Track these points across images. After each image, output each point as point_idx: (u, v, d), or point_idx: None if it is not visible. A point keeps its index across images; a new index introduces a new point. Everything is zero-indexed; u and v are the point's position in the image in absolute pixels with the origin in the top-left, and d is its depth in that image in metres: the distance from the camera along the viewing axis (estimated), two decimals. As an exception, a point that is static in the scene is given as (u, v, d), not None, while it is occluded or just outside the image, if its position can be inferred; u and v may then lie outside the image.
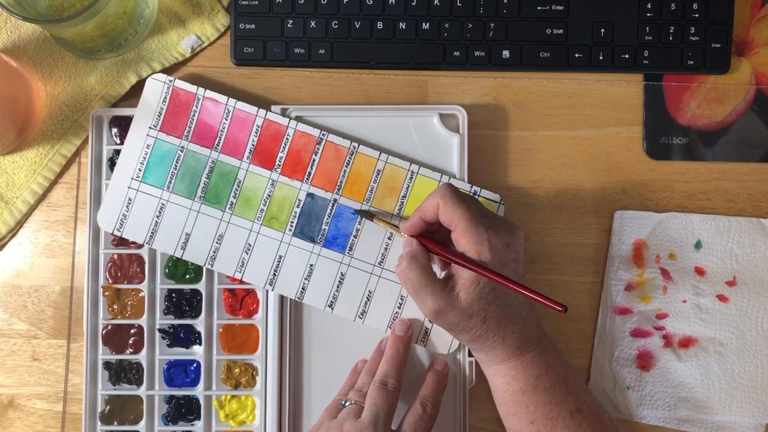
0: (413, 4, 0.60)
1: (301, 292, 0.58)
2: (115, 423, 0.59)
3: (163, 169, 0.58)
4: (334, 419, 0.52)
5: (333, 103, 0.61)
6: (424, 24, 0.60)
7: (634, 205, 0.61)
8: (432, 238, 0.54)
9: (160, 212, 0.58)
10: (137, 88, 0.59)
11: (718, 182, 0.61)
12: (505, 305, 0.51)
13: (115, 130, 0.60)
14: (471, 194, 0.58)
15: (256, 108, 0.58)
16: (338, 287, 0.58)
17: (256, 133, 0.58)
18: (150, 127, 0.58)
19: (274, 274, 0.58)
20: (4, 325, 0.61)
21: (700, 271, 0.60)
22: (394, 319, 0.58)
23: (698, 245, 0.60)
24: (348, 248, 0.58)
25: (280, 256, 0.58)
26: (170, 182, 0.58)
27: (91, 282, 0.59)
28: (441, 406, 0.54)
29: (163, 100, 0.58)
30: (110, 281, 0.59)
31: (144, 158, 0.58)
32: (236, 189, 0.58)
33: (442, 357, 0.58)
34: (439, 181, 0.58)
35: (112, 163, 0.60)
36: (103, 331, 0.59)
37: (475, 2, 0.60)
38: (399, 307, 0.58)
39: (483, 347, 0.53)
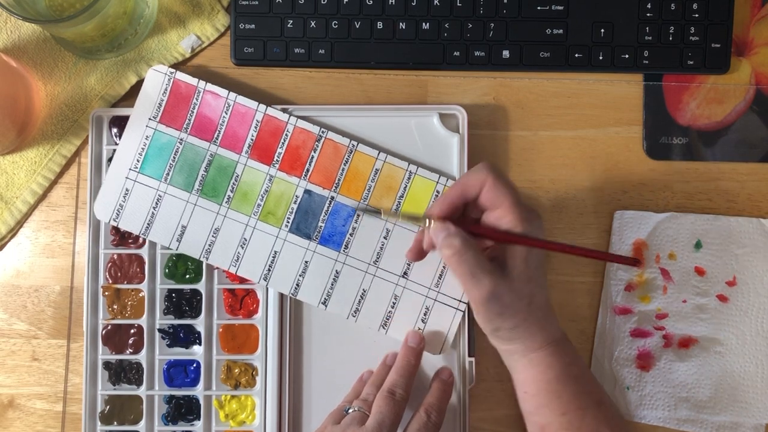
0: (413, 4, 0.60)
1: (296, 288, 0.58)
2: (115, 423, 0.59)
3: (162, 161, 0.58)
4: (338, 425, 0.52)
5: (333, 103, 0.61)
6: (424, 24, 0.60)
7: (634, 205, 0.61)
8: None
9: (156, 204, 0.58)
10: (137, 88, 0.59)
11: (718, 182, 0.61)
12: (545, 287, 0.52)
13: (115, 130, 0.60)
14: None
15: (256, 103, 0.58)
16: (332, 285, 0.58)
17: (255, 127, 0.58)
18: (150, 119, 0.58)
19: (269, 270, 0.58)
20: (4, 325, 0.61)
21: (700, 271, 0.60)
22: (387, 319, 0.58)
23: (698, 245, 0.60)
24: (343, 246, 0.58)
25: (276, 252, 0.58)
26: (168, 174, 0.58)
27: (91, 282, 0.59)
28: None
29: (164, 92, 0.58)
30: (110, 281, 0.59)
31: (143, 149, 0.58)
32: (234, 183, 0.58)
33: (436, 359, 0.58)
34: (437, 182, 0.58)
35: (111, 164, 0.60)
36: (103, 331, 0.59)
37: (475, 2, 0.60)
38: (392, 307, 0.58)
39: (524, 334, 0.51)
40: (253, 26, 0.60)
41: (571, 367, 0.52)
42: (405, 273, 0.58)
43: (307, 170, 0.58)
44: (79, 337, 0.60)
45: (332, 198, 0.58)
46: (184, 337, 0.59)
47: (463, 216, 0.53)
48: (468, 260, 0.50)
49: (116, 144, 0.59)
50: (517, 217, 0.50)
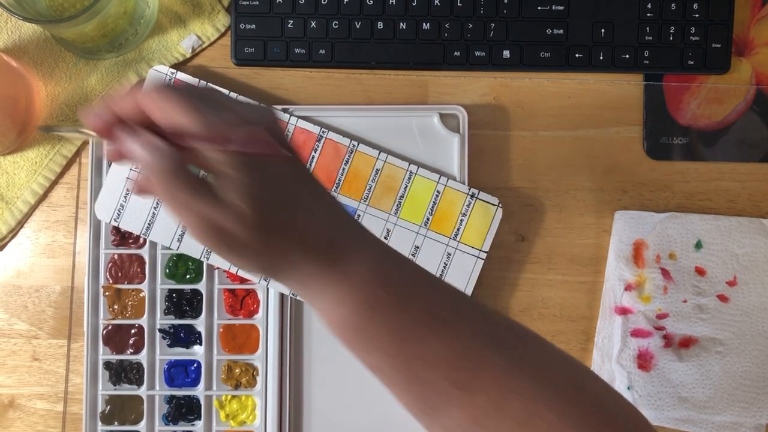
0: (413, 4, 0.60)
1: None
2: (116, 423, 0.59)
3: None
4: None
5: (333, 103, 0.61)
6: (424, 24, 0.60)
7: (634, 205, 0.61)
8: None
9: (157, 204, 0.58)
10: (138, 89, 0.59)
11: (718, 182, 0.61)
12: (289, 194, 0.36)
13: (115, 130, 0.60)
14: (470, 195, 0.58)
15: (257, 103, 0.58)
16: None
17: (256, 131, 0.58)
18: None
19: None
20: (4, 326, 0.61)
21: (700, 271, 0.60)
22: None
23: (698, 245, 0.60)
24: None
25: None
26: None
27: (92, 282, 0.59)
28: None
29: None
30: (111, 281, 0.59)
31: None
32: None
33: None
34: (438, 182, 0.58)
35: (112, 164, 0.60)
36: (104, 331, 0.59)
37: (475, 2, 0.60)
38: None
39: (289, 273, 0.38)
40: (253, 26, 0.60)
41: (380, 294, 0.37)
42: (405, 273, 0.58)
43: (308, 170, 0.58)
44: (79, 337, 0.60)
45: (333, 198, 0.58)
46: (184, 337, 0.59)
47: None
48: (179, 182, 0.35)
49: (117, 144, 0.59)
50: (195, 118, 0.35)
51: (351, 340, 0.38)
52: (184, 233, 0.58)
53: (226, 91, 0.58)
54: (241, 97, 0.56)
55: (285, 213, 0.36)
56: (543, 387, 0.36)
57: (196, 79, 0.58)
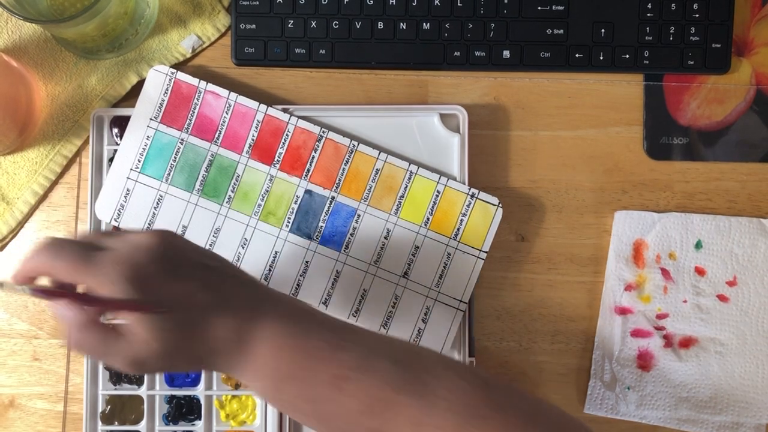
0: (414, 4, 0.60)
1: (296, 288, 0.58)
2: (116, 423, 0.59)
3: (163, 161, 0.58)
4: None
5: (333, 103, 0.61)
6: (424, 24, 0.60)
7: (634, 205, 0.61)
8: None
9: (157, 204, 0.58)
10: (138, 89, 0.59)
11: (718, 182, 0.61)
12: (183, 308, 0.41)
13: (115, 130, 0.60)
14: (470, 195, 0.58)
15: (257, 103, 0.58)
16: (333, 285, 0.58)
17: (256, 128, 0.58)
18: (150, 119, 0.58)
19: (270, 269, 0.58)
20: (4, 325, 0.61)
21: (700, 271, 0.60)
22: (388, 319, 0.58)
23: (698, 245, 0.60)
24: (344, 246, 0.58)
25: (276, 252, 0.58)
26: (169, 174, 0.58)
27: (92, 282, 0.59)
28: None
29: (165, 92, 0.58)
30: (111, 281, 0.59)
31: (144, 149, 0.58)
32: (234, 183, 0.58)
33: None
34: (438, 182, 0.58)
35: (112, 164, 0.60)
36: (104, 331, 0.59)
37: (475, 2, 0.60)
38: (393, 307, 0.58)
39: (207, 365, 0.43)
40: (253, 26, 0.60)
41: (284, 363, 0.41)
42: (405, 273, 0.58)
43: (308, 170, 0.58)
44: (79, 337, 0.60)
45: (333, 198, 0.58)
46: (184, 337, 0.59)
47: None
48: (93, 341, 0.40)
49: (117, 144, 0.59)
50: (92, 278, 0.40)
51: (271, 402, 0.45)
52: (184, 233, 0.58)
53: (225, 92, 0.58)
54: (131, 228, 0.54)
55: (184, 331, 0.41)
56: (462, 418, 0.39)
57: (197, 79, 0.58)
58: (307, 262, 0.58)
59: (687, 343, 0.60)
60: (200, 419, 0.59)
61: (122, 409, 0.59)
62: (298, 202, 0.58)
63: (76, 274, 0.40)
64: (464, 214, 0.58)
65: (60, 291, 0.41)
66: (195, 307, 0.41)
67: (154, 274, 0.40)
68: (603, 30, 0.60)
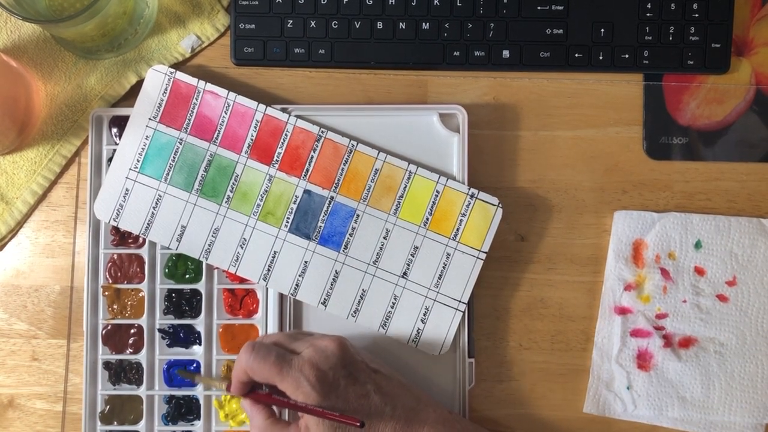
0: (413, 4, 0.60)
1: (295, 288, 0.58)
2: (115, 423, 0.59)
3: (161, 161, 0.58)
4: None
5: (333, 103, 0.61)
6: (424, 24, 0.60)
7: (634, 205, 0.61)
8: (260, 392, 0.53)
9: (156, 203, 0.58)
10: (137, 88, 0.59)
11: (718, 182, 0.61)
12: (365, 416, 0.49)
13: (114, 130, 0.60)
14: (470, 195, 0.58)
15: (256, 103, 0.58)
16: (332, 285, 0.58)
17: (255, 127, 0.58)
18: (150, 119, 0.58)
19: (269, 269, 0.58)
20: (3, 325, 0.61)
21: (700, 271, 0.60)
22: (387, 319, 0.58)
23: (698, 245, 0.60)
24: (343, 246, 0.58)
25: (275, 252, 0.58)
26: (168, 174, 0.58)
27: (91, 282, 0.59)
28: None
29: (164, 92, 0.58)
30: (110, 281, 0.59)
31: (143, 149, 0.58)
32: (233, 183, 0.58)
33: (435, 359, 0.58)
34: (437, 182, 0.58)
35: (111, 163, 0.60)
36: (103, 331, 0.59)
37: (475, 2, 0.60)
38: (392, 307, 0.58)
39: None
40: (253, 26, 0.60)
41: None
42: (404, 273, 0.58)
43: (307, 170, 0.58)
44: (79, 337, 0.60)
45: (332, 198, 0.58)
46: (184, 337, 0.59)
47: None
48: (260, 425, 0.52)
49: (116, 144, 0.59)
50: (288, 387, 0.49)
51: None
52: (183, 233, 0.58)
53: (224, 92, 0.58)
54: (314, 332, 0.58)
55: None
56: None
57: (196, 79, 0.58)
58: (306, 262, 0.58)
59: (686, 343, 0.60)
60: (199, 419, 0.59)
61: (121, 409, 0.59)
62: (297, 202, 0.58)
63: (271, 377, 0.49)
64: (464, 214, 0.58)
65: (266, 395, 0.52)
66: (371, 408, 0.49)
67: (339, 378, 0.49)
68: (602, 30, 0.60)
